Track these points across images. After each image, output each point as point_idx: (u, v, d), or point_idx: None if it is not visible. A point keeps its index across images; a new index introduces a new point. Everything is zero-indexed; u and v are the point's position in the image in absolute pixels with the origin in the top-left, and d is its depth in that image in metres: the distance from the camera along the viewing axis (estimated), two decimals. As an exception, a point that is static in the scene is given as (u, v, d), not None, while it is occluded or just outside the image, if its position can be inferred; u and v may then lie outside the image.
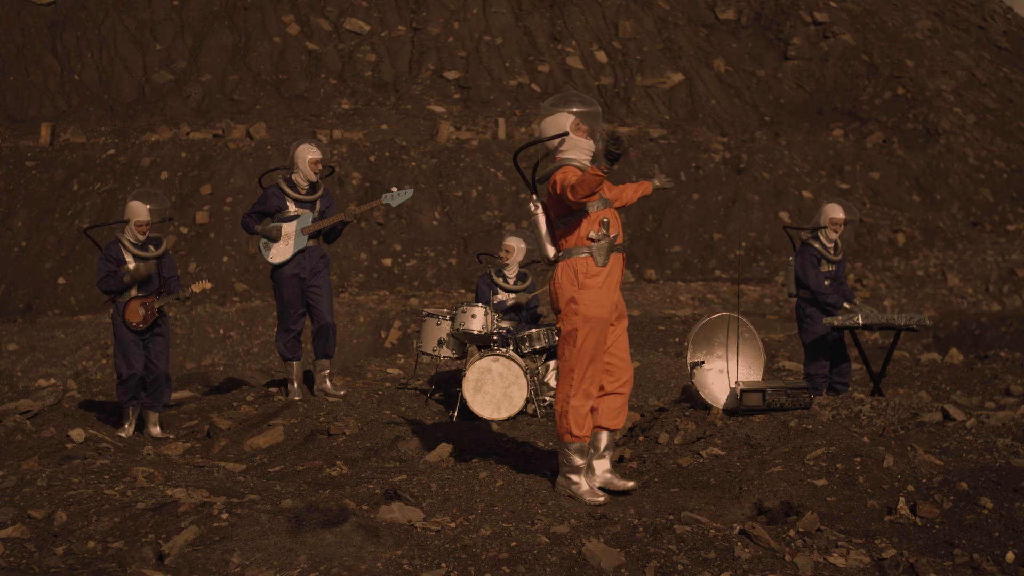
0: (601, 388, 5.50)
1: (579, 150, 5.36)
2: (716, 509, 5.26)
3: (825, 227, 8.53)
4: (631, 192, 5.83)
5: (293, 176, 8.42)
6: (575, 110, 5.36)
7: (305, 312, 8.47)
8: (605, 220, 5.29)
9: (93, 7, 37.96)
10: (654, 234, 30.86)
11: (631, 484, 5.59)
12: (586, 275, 5.30)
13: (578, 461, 5.37)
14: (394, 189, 8.53)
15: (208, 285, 8.13)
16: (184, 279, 8.21)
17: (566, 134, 5.34)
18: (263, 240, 8.42)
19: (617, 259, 5.40)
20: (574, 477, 5.38)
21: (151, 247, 7.96)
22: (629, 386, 5.58)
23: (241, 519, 4.59)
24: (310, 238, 8.35)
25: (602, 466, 5.57)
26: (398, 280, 29.23)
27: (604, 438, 5.57)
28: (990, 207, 34.28)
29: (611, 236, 5.28)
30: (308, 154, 8.36)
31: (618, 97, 37.71)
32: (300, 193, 8.39)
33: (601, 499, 5.31)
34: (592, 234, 5.29)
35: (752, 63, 40.59)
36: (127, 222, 7.93)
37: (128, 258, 7.84)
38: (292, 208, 8.36)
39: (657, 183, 5.98)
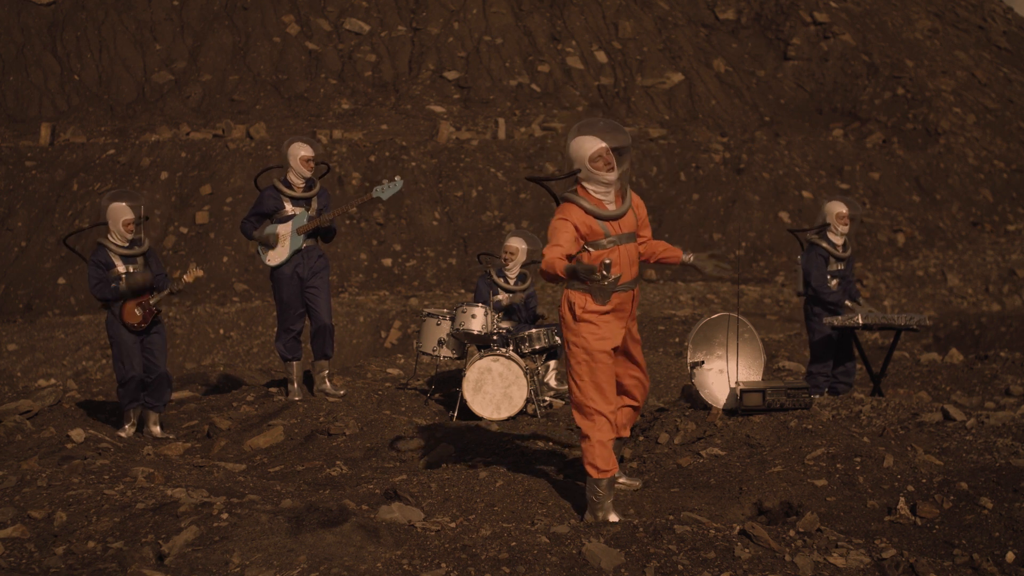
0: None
1: (595, 182, 5.08)
2: (716, 509, 5.26)
3: (830, 225, 8.52)
4: (659, 252, 5.48)
5: (288, 176, 8.41)
6: (596, 138, 5.04)
7: (304, 312, 8.46)
8: (607, 261, 4.83)
9: (93, 7, 37.94)
10: (654, 234, 30.85)
11: (637, 484, 5.59)
12: (584, 310, 5.11)
13: (603, 495, 5.12)
14: (384, 181, 8.51)
15: (200, 273, 8.07)
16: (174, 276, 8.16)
17: (578, 171, 5.07)
18: (260, 245, 8.42)
19: (626, 296, 5.17)
20: (601, 514, 5.11)
21: (135, 247, 7.91)
22: (644, 397, 5.58)
23: (241, 519, 4.59)
24: (307, 237, 8.34)
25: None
26: (398, 280, 29.21)
27: (618, 445, 5.62)
28: (990, 207, 34.26)
29: (611, 279, 4.91)
30: (299, 151, 8.35)
31: (618, 97, 37.71)
32: (296, 192, 8.38)
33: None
34: (592, 274, 4.98)
35: (752, 63, 40.57)
36: (105, 224, 7.86)
37: (116, 261, 7.79)
38: (289, 208, 8.36)
39: (690, 259, 5.51)
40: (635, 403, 5.56)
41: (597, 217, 5.08)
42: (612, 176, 5.06)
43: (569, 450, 6.69)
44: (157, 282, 7.94)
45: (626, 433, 5.65)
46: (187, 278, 7.90)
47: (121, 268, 7.78)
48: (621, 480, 5.60)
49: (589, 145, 5.05)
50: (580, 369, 5.13)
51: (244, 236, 8.59)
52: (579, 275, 4.84)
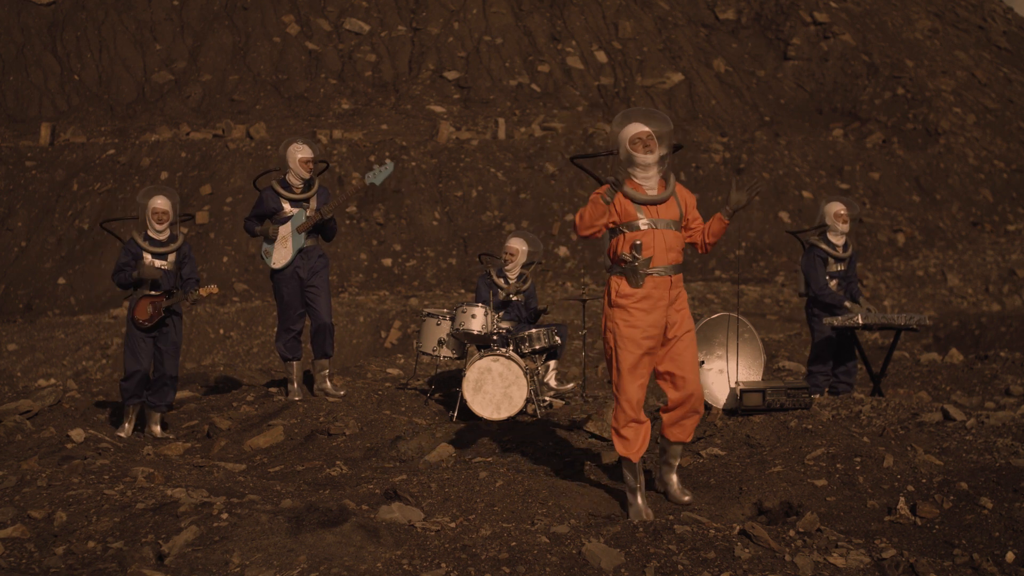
0: (666, 402, 5.44)
1: (634, 164, 5.24)
2: (716, 509, 5.26)
3: (828, 226, 8.50)
4: (708, 230, 5.40)
5: (287, 177, 8.40)
6: (638, 123, 5.25)
7: (305, 312, 8.45)
8: (638, 243, 5.15)
9: (93, 7, 37.95)
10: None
11: (687, 499, 5.44)
12: (618, 294, 5.23)
13: (629, 479, 5.25)
14: (375, 166, 8.47)
15: (215, 289, 8.13)
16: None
17: (615, 152, 5.30)
18: (264, 247, 8.41)
19: (661, 281, 5.20)
20: (628, 495, 5.26)
21: (170, 243, 8.00)
22: (694, 401, 5.32)
23: (241, 519, 4.59)
24: (308, 236, 8.33)
25: (668, 475, 5.50)
26: (398, 280, 29.22)
27: (669, 449, 5.49)
28: (990, 207, 34.27)
29: (642, 259, 5.13)
30: (298, 153, 8.34)
31: (618, 97, 37.70)
32: (295, 193, 8.37)
33: (645, 518, 5.10)
34: (624, 254, 5.19)
35: (752, 63, 40.58)
36: (135, 219, 8.03)
37: (146, 254, 7.90)
38: (287, 208, 8.35)
39: (729, 211, 5.41)
40: (684, 408, 5.35)
41: (633, 200, 5.22)
42: (650, 158, 5.22)
43: (569, 450, 6.68)
44: (184, 285, 8.00)
45: (678, 437, 5.42)
46: (203, 292, 7.97)
47: (148, 260, 7.87)
48: (677, 493, 5.46)
49: (630, 129, 5.25)
50: (610, 354, 5.28)
51: (248, 234, 8.61)
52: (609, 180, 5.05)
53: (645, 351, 5.21)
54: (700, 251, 5.44)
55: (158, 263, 7.91)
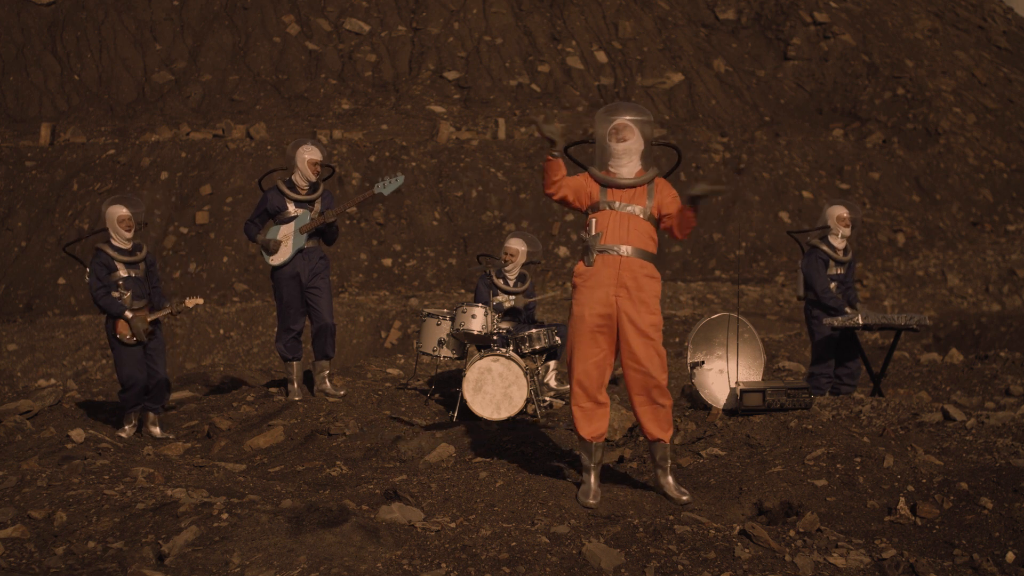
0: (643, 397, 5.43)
1: (606, 153, 5.44)
2: (716, 509, 5.26)
3: (830, 228, 8.51)
4: (678, 217, 5.41)
5: (293, 177, 8.41)
6: (609, 116, 5.45)
7: (305, 312, 8.46)
8: (592, 220, 5.39)
9: (93, 7, 37.94)
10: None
11: (685, 499, 5.36)
12: (574, 274, 5.44)
13: (584, 458, 5.40)
14: (386, 177, 8.52)
15: (200, 300, 8.16)
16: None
17: (591, 140, 5.52)
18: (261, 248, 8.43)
19: (610, 259, 5.28)
20: (581, 473, 5.44)
21: (136, 252, 7.95)
22: (658, 395, 5.29)
23: (241, 519, 4.59)
24: (309, 237, 8.33)
25: (661, 478, 5.43)
26: (398, 280, 29.21)
27: (653, 450, 5.43)
28: (990, 207, 34.26)
29: (591, 236, 5.34)
30: (307, 154, 8.35)
31: (618, 97, 37.66)
32: (300, 194, 8.38)
33: (590, 503, 5.21)
34: (583, 233, 5.44)
35: (752, 63, 40.56)
36: (105, 230, 7.93)
37: (119, 265, 7.82)
38: (291, 209, 8.35)
39: (696, 192, 5.33)
40: (640, 398, 5.33)
41: (600, 183, 5.43)
42: (620, 147, 5.39)
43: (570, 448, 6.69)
44: (153, 298, 7.99)
45: (653, 434, 5.38)
46: (188, 303, 7.99)
47: (123, 272, 7.81)
48: (673, 493, 5.38)
49: (609, 120, 5.45)
50: (567, 331, 5.45)
51: (248, 238, 8.61)
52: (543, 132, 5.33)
53: (591, 328, 5.30)
54: (677, 237, 5.53)
55: (134, 273, 7.86)
